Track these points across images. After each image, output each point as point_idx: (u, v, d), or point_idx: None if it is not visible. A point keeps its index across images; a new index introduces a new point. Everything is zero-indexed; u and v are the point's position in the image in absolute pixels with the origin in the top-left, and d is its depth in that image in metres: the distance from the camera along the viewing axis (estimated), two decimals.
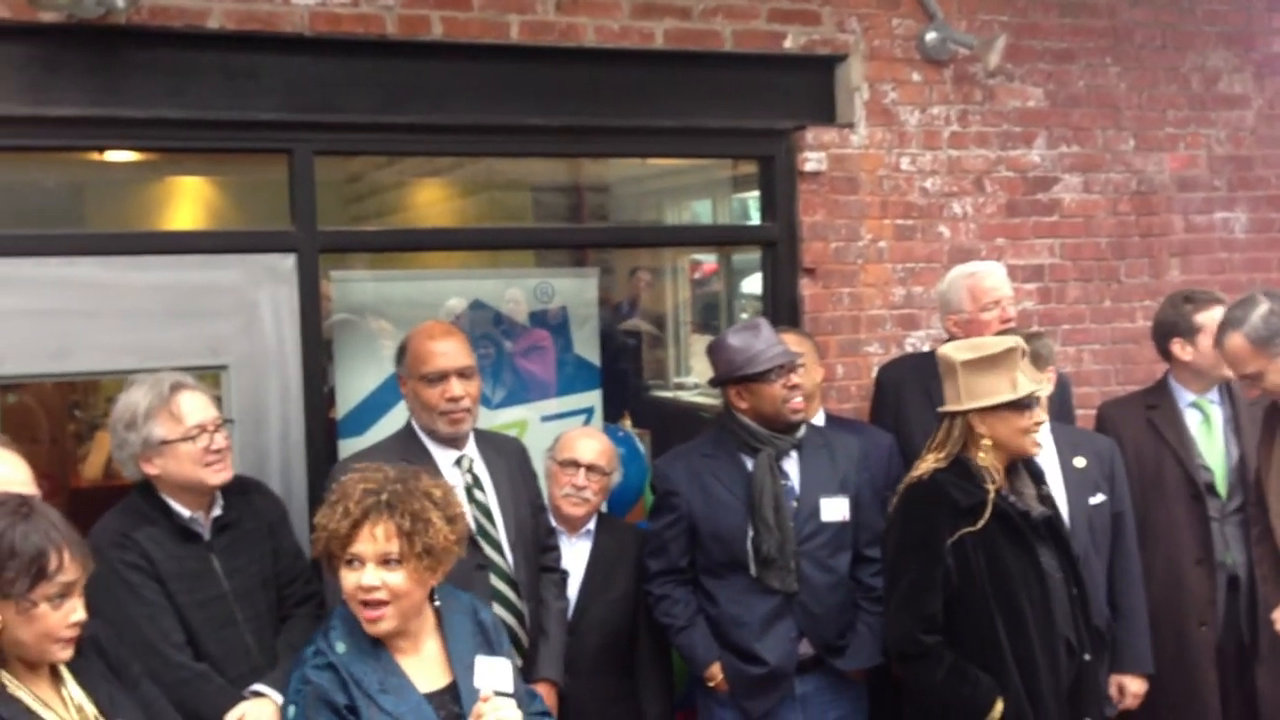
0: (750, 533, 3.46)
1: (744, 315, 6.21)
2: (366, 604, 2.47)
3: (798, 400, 3.53)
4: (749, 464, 3.53)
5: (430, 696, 2.52)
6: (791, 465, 3.57)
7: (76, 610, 2.23)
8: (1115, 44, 4.93)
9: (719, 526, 3.52)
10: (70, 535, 2.25)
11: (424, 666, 2.55)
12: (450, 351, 3.26)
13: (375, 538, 2.46)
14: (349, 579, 2.48)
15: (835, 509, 3.55)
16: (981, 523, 3.05)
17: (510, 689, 2.51)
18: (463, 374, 3.26)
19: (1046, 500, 3.28)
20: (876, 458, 3.84)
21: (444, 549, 2.53)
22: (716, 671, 3.53)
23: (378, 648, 2.50)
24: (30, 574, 2.14)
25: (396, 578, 2.47)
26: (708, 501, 3.55)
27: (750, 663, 3.47)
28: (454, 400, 3.23)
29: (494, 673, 2.50)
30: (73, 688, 2.29)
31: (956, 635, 3.10)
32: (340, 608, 2.56)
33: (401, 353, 3.35)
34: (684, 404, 6.61)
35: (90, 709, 2.29)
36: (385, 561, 2.46)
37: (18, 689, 2.16)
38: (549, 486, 3.70)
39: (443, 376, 3.23)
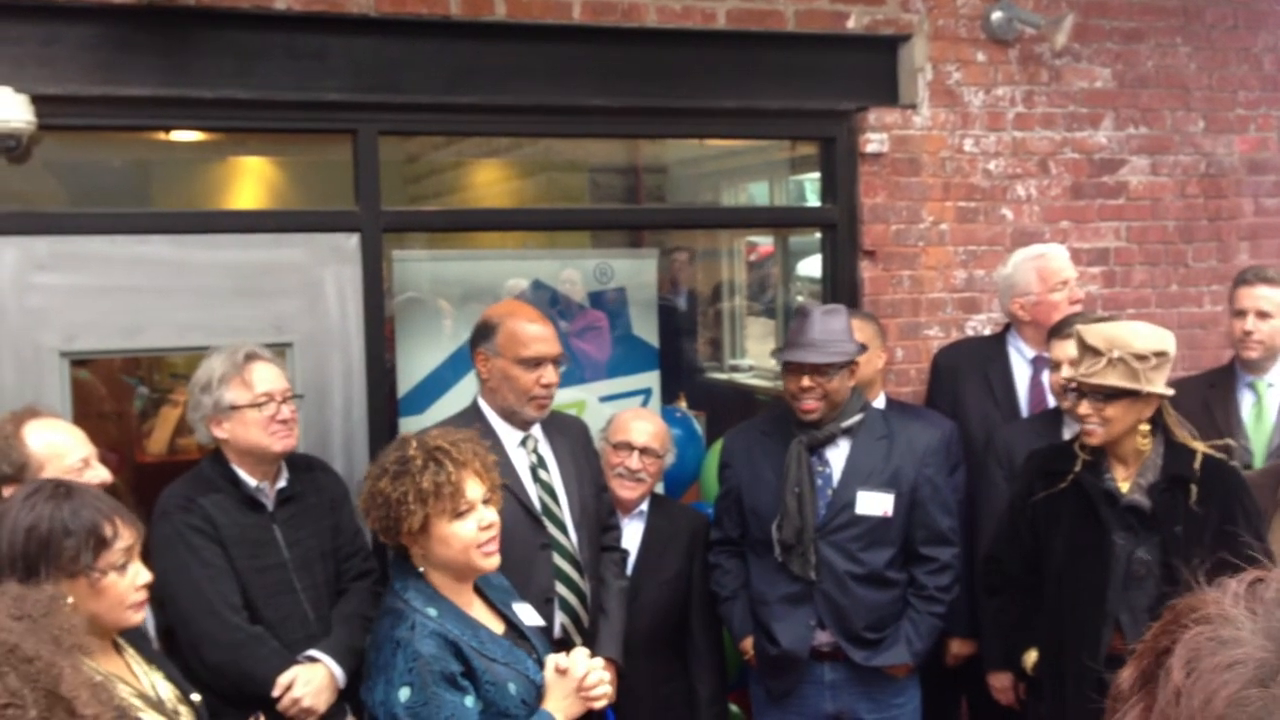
0: (778, 516, 3.45)
1: (800, 298, 6.18)
2: (482, 544, 2.52)
3: (806, 402, 3.41)
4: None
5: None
6: (838, 453, 3.50)
7: (141, 573, 2.27)
8: (1185, 23, 4.83)
9: (757, 504, 3.53)
10: (114, 503, 2.29)
11: (484, 615, 2.61)
12: (549, 338, 3.31)
13: (476, 478, 2.53)
14: (465, 528, 2.50)
15: (874, 503, 3.43)
16: (1061, 486, 3.19)
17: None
18: (556, 362, 3.31)
19: (1158, 493, 3.14)
20: (937, 445, 3.70)
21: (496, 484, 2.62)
22: (748, 646, 3.57)
23: (457, 606, 2.54)
24: (91, 547, 2.17)
25: (494, 513, 2.56)
26: (753, 478, 3.55)
27: (770, 642, 3.49)
28: (547, 386, 3.28)
29: (531, 615, 2.63)
30: (135, 657, 2.33)
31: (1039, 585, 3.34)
32: (407, 580, 2.54)
33: (489, 331, 3.32)
34: (739, 386, 6.59)
35: (158, 679, 2.33)
36: (485, 501, 2.55)
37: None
38: (602, 468, 3.70)
39: (540, 362, 3.26)
